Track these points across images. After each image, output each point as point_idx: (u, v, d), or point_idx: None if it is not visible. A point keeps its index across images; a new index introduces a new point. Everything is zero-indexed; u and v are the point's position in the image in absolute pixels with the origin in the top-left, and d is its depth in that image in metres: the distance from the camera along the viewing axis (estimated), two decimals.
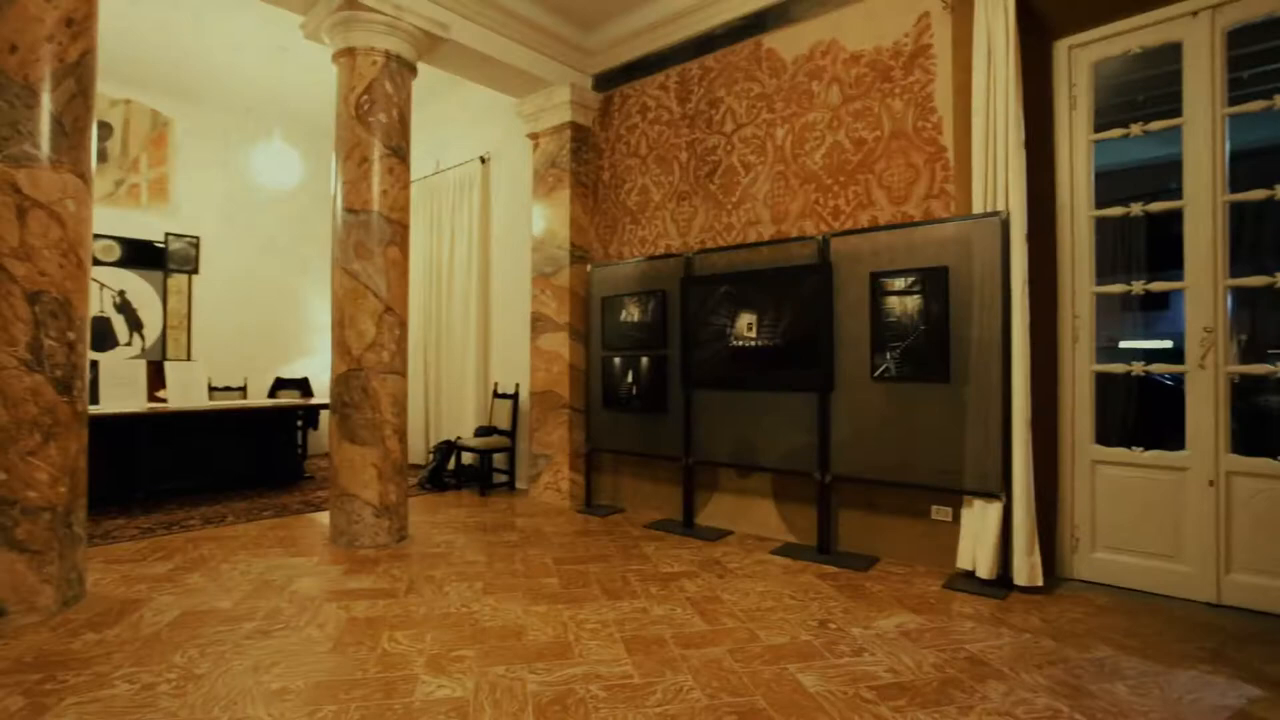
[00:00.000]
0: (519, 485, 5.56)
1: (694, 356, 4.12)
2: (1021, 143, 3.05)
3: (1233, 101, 2.88)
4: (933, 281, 3.21)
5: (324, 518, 4.38)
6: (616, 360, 4.60)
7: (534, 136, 5.29)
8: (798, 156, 3.99)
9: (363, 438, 3.73)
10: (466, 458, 5.75)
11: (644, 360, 4.42)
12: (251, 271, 7.06)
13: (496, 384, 5.78)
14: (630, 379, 4.50)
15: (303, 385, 7.07)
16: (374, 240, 3.78)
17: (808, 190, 3.94)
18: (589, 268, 4.89)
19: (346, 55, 3.83)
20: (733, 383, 3.94)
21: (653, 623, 2.65)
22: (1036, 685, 2.14)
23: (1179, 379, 3.01)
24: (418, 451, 6.32)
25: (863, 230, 3.56)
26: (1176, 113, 3.00)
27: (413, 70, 4.04)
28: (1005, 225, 3.04)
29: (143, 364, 5.17)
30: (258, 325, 7.11)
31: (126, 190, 6.30)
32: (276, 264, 7.26)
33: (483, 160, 6.01)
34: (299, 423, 5.94)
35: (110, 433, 4.57)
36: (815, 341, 3.58)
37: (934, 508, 3.37)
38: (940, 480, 3.19)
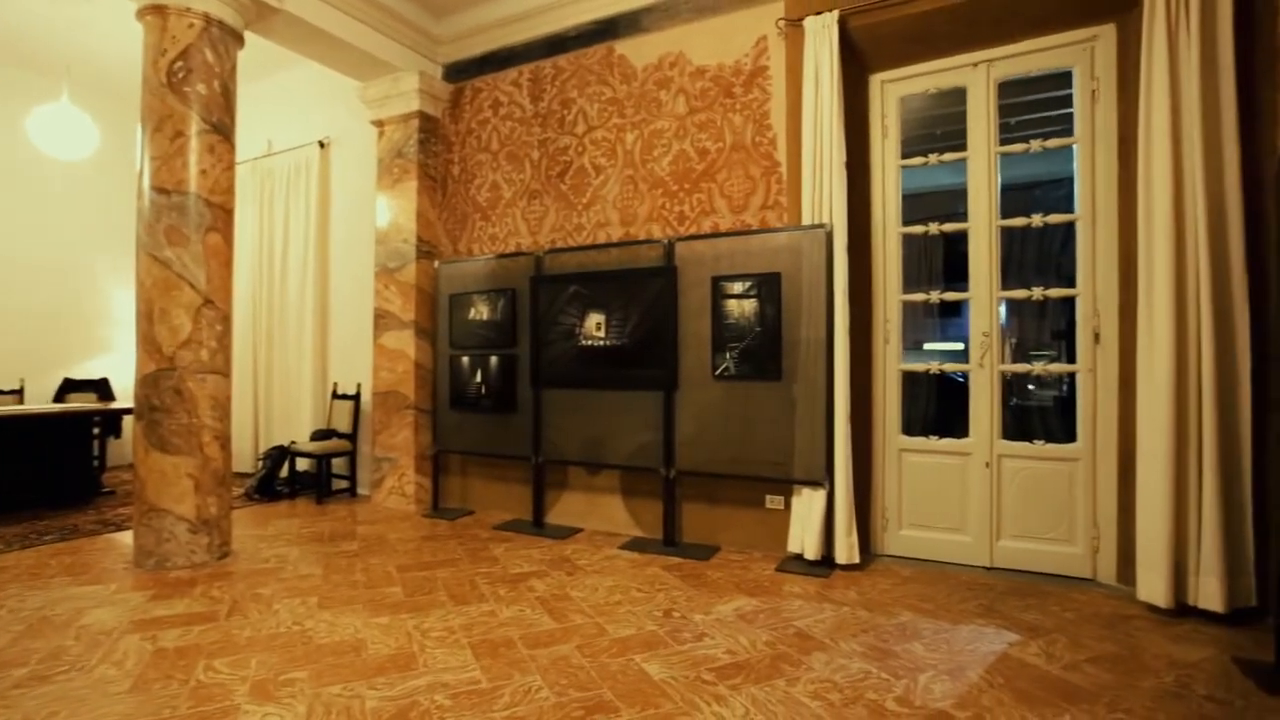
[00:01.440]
0: (361, 491, 5.27)
1: (544, 355, 4.13)
2: (843, 163, 3.37)
3: (1003, 142, 3.40)
4: (768, 286, 3.47)
5: (126, 538, 3.88)
6: (465, 359, 4.49)
7: (379, 124, 5.02)
8: (646, 162, 4.12)
9: (176, 445, 3.35)
10: (302, 464, 5.34)
11: (493, 359, 4.36)
12: (29, 253, 6.05)
13: (336, 384, 5.42)
14: (479, 378, 4.42)
15: (101, 387, 6.20)
16: (191, 225, 3.40)
17: (655, 195, 4.08)
18: (437, 264, 4.73)
19: (154, 13, 3.40)
20: (582, 381, 4.00)
21: (501, 625, 2.63)
22: (852, 652, 2.39)
23: (966, 376, 3.49)
24: (245, 458, 5.76)
25: (706, 236, 3.76)
26: (963, 147, 3.47)
27: (239, 39, 3.67)
28: (829, 237, 3.34)
29: None
30: (38, 318, 6.10)
31: None
32: (63, 246, 6.28)
33: (321, 145, 5.61)
34: (96, 431, 5.20)
35: None
36: (661, 341, 3.74)
37: (768, 497, 3.65)
38: (774, 471, 3.46)
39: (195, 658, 2.34)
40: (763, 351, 3.47)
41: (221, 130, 3.54)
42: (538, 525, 4.23)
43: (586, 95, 4.37)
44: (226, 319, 3.57)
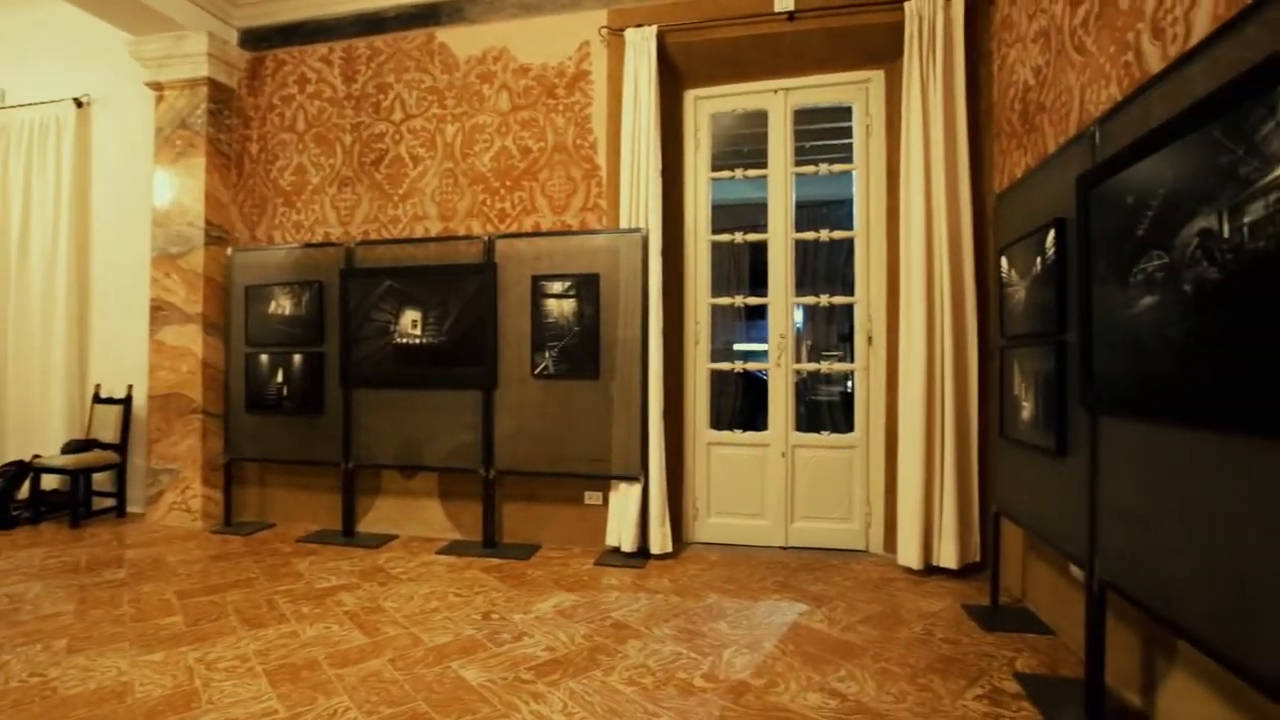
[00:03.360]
0: (133, 509, 4.59)
1: (355, 354, 3.89)
2: (659, 171, 3.55)
3: (798, 163, 3.78)
4: (587, 286, 3.56)
5: None
6: (264, 357, 4.10)
7: (157, 87, 4.39)
8: (467, 156, 4.03)
9: None
10: (50, 481, 4.53)
11: (297, 358, 4.02)
12: None
13: (99, 386, 4.67)
14: (281, 378, 4.05)
15: None
16: None
17: (476, 190, 4.01)
18: (230, 251, 4.26)
19: None
20: (397, 381, 3.83)
21: (304, 646, 2.45)
22: (665, 636, 2.54)
23: (767, 374, 3.84)
24: None
25: (527, 234, 3.76)
26: (765, 165, 3.81)
27: None
28: (646, 241, 3.51)
29: None
30: None
31: None
32: None
33: (79, 103, 4.78)
34: None
35: None
36: (480, 340, 3.68)
37: (587, 493, 3.74)
38: (592, 468, 3.56)
39: None
40: (581, 350, 3.55)
41: None
42: (348, 535, 3.98)
43: (405, 81, 4.17)
44: None
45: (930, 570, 3.25)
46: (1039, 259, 2.26)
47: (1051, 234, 2.15)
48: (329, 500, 4.15)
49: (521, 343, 3.66)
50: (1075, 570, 2.26)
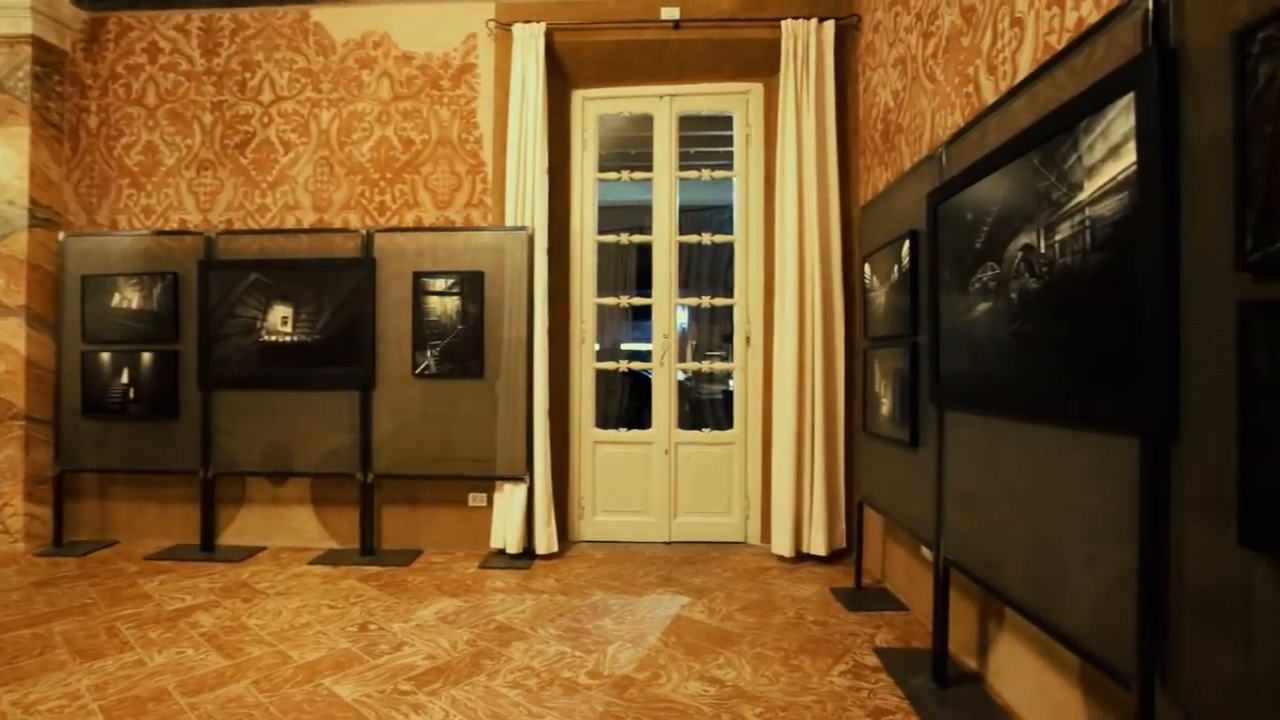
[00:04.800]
0: None
1: (216, 352, 3.59)
2: (545, 170, 3.54)
3: (682, 168, 3.90)
4: (471, 284, 3.49)
5: None
6: (105, 356, 3.69)
7: None
8: (344, 145, 3.83)
9: None
10: None
11: (146, 356, 3.65)
12: None
13: None
14: (126, 379, 3.66)
15: None
16: None
17: (354, 181, 3.82)
18: (62, 236, 3.80)
19: None
20: (265, 381, 3.57)
21: (152, 675, 2.22)
22: (550, 636, 2.54)
23: (652, 373, 3.92)
24: None
25: (409, 229, 3.63)
26: (651, 168, 3.90)
27: None
28: (531, 240, 3.49)
29: None
30: None
31: None
32: None
33: None
34: None
35: None
36: (357, 338, 3.52)
37: (471, 495, 3.67)
38: (477, 469, 3.50)
39: None
40: (465, 350, 3.48)
41: None
42: (207, 549, 3.67)
43: (275, 61, 3.89)
44: None
45: (802, 558, 3.45)
46: (896, 267, 2.47)
47: (907, 244, 2.35)
48: (184, 512, 3.80)
49: (402, 341, 3.52)
50: (925, 551, 2.49)
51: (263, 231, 3.72)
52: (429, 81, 3.79)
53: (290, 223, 3.84)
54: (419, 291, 3.50)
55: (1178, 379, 1.11)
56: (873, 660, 2.33)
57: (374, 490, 3.62)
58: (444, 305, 3.49)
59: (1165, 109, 1.13)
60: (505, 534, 3.49)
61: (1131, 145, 1.20)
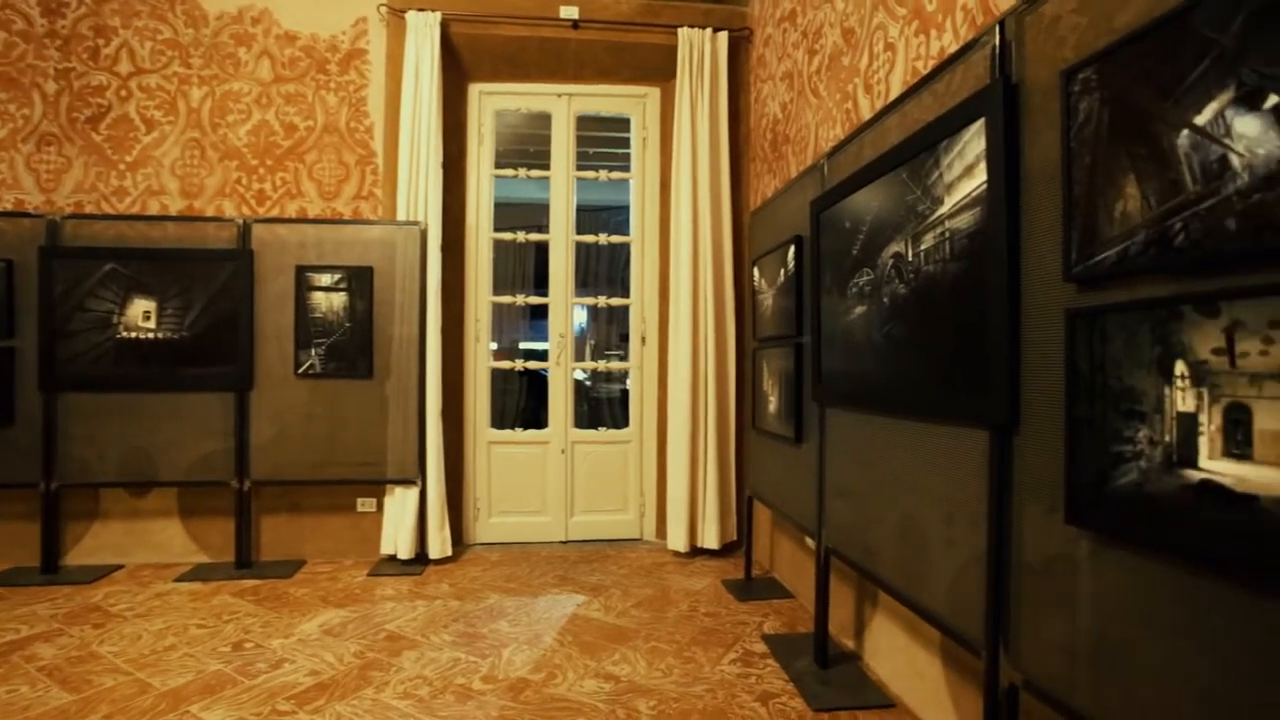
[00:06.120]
0: None
1: (62, 350, 3.23)
2: (440, 164, 3.44)
3: (580, 168, 3.91)
4: (359, 280, 3.33)
5: None
6: None
7: None
8: (218, 127, 3.55)
9: None
10: None
11: None
12: None
13: None
14: None
15: None
16: None
17: (229, 167, 3.55)
18: None
19: None
20: (123, 383, 3.25)
21: None
22: (443, 643, 2.47)
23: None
24: None
25: (292, 220, 3.42)
26: (548, 166, 3.88)
27: None
28: (424, 235, 3.38)
29: None
30: None
31: None
32: None
33: None
34: None
35: None
36: (233, 335, 3.27)
37: (360, 500, 3.51)
38: (365, 473, 3.35)
39: None
40: (353, 348, 3.32)
41: None
42: (50, 571, 3.28)
43: (135, 29, 3.55)
44: None
45: (696, 552, 3.55)
46: (782, 271, 2.59)
47: (792, 249, 2.48)
48: (20, 531, 3.39)
49: (284, 339, 3.31)
50: (809, 541, 2.63)
51: (121, 217, 3.37)
52: (315, 64, 3.59)
53: (155, 208, 3.52)
54: (303, 286, 3.31)
55: (1019, 376, 1.24)
56: (761, 647, 2.43)
57: (251, 498, 3.38)
58: (330, 301, 3.32)
59: (1009, 135, 1.26)
60: (396, 539, 3.36)
61: (983, 166, 1.32)
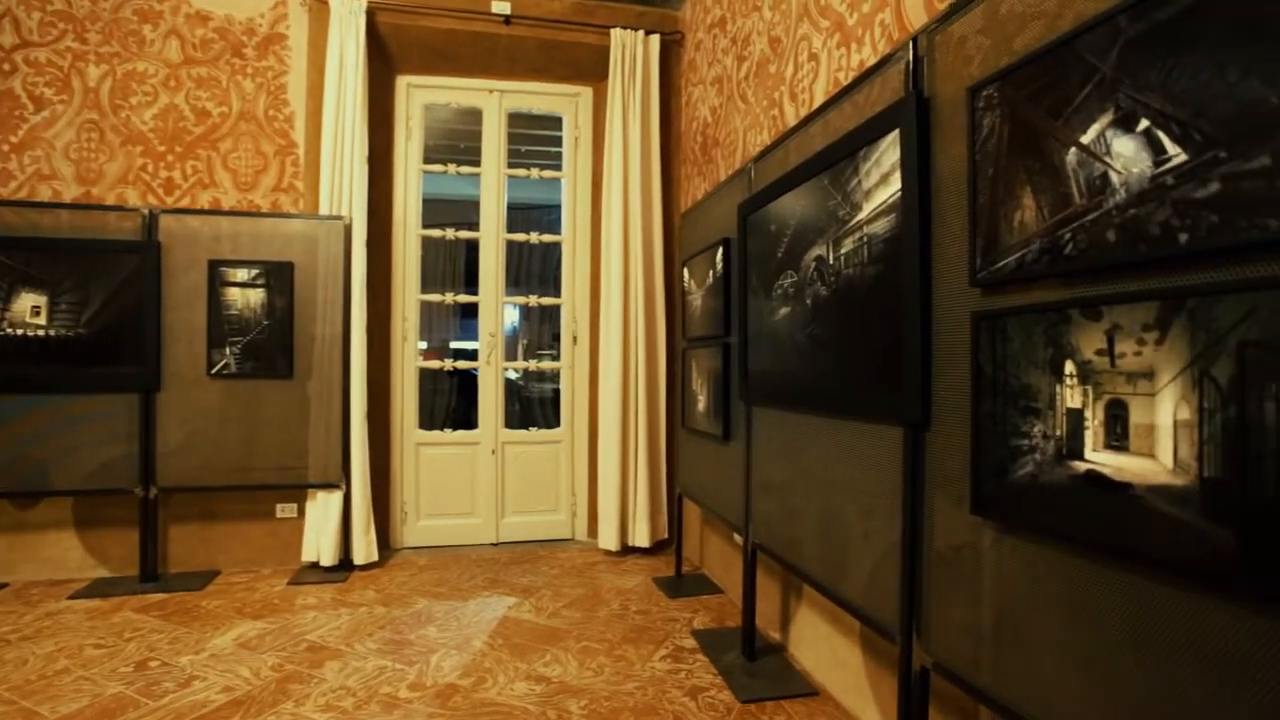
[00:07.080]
0: None
1: None
2: (365, 157, 3.33)
3: (511, 165, 3.86)
4: (279, 276, 3.19)
5: None
6: None
7: None
8: (120, 109, 3.32)
9: None
10: None
11: None
12: None
13: None
14: None
15: None
16: None
17: (133, 153, 3.33)
18: None
19: None
20: (6, 384, 3.00)
21: None
22: (368, 651, 2.39)
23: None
24: None
25: (203, 212, 3.23)
26: (479, 163, 3.82)
27: None
28: (348, 230, 3.27)
29: None
30: None
31: None
32: None
33: None
34: None
35: None
36: (137, 333, 3.06)
37: (279, 506, 3.36)
38: (285, 477, 3.20)
39: None
40: (272, 347, 3.17)
41: None
42: None
43: None
44: None
45: (627, 550, 3.57)
46: (711, 272, 2.64)
47: (720, 251, 2.53)
48: None
49: (195, 337, 3.13)
50: (737, 537, 2.69)
51: (5, 203, 3.11)
52: (229, 48, 3.41)
53: (45, 195, 3.25)
54: (216, 282, 3.13)
55: (931, 376, 1.31)
56: (691, 643, 2.47)
57: (158, 506, 3.18)
58: (247, 298, 3.16)
59: (921, 146, 1.33)
60: (319, 546, 3.23)
61: (898, 174, 1.39)
